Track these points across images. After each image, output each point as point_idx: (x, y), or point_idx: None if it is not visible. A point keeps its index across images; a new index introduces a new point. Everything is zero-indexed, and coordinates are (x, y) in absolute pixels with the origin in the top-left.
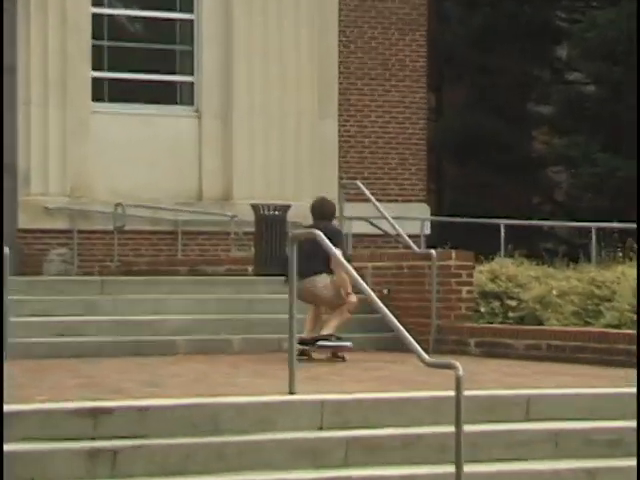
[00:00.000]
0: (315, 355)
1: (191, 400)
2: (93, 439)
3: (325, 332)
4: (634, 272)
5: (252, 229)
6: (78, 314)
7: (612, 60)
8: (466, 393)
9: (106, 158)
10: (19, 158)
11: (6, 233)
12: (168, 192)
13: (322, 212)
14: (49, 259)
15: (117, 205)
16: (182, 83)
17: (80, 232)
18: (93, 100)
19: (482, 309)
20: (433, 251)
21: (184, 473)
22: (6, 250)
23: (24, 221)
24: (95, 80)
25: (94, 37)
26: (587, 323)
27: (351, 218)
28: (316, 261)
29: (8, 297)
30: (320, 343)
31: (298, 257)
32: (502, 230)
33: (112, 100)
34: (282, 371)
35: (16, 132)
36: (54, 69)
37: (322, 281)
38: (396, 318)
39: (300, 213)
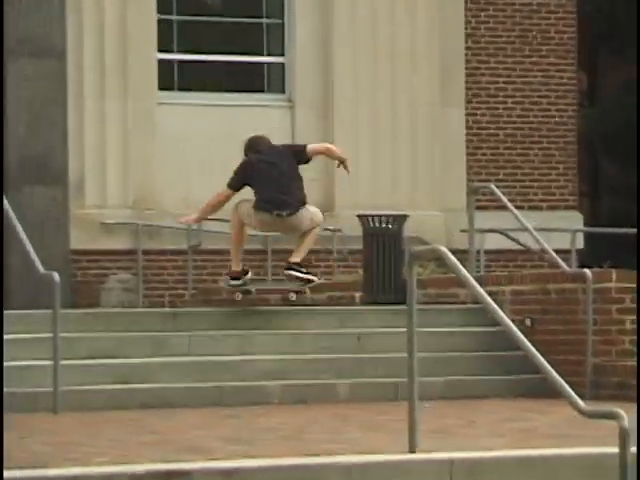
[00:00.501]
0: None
1: (288, 461)
2: None
3: (295, 259)
4: None
5: (359, 246)
6: (145, 355)
7: None
8: (633, 449)
9: (177, 160)
10: (70, 162)
11: (54, 255)
12: None
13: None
14: (108, 287)
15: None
16: (270, 65)
17: (146, 253)
18: (160, 89)
19: None
20: (588, 271)
21: None
22: (55, 276)
23: (77, 240)
24: (162, 64)
25: (160, 11)
26: None
27: (483, 231)
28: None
29: (58, 335)
30: (290, 272)
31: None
32: None
33: (183, 89)
34: (400, 423)
35: (66, 131)
36: (111, 52)
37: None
38: (542, 355)
39: (419, 226)
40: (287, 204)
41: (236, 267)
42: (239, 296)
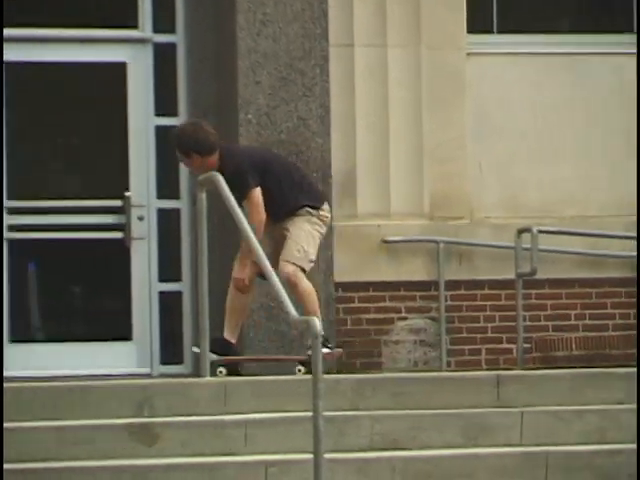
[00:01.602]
0: None
1: None
2: None
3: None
4: None
5: None
6: (453, 444)
7: None
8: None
9: (497, 142)
10: (333, 152)
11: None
12: (615, 205)
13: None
14: (393, 339)
15: (521, 231)
16: None
17: (451, 286)
18: (470, 32)
19: None
20: None
21: None
22: (314, 323)
23: (343, 267)
24: None
25: None
26: None
27: None
28: None
29: (320, 414)
30: None
31: None
32: None
33: (504, 30)
34: None
35: (328, 110)
36: None
37: None
38: None
39: None
40: None
41: None
42: None
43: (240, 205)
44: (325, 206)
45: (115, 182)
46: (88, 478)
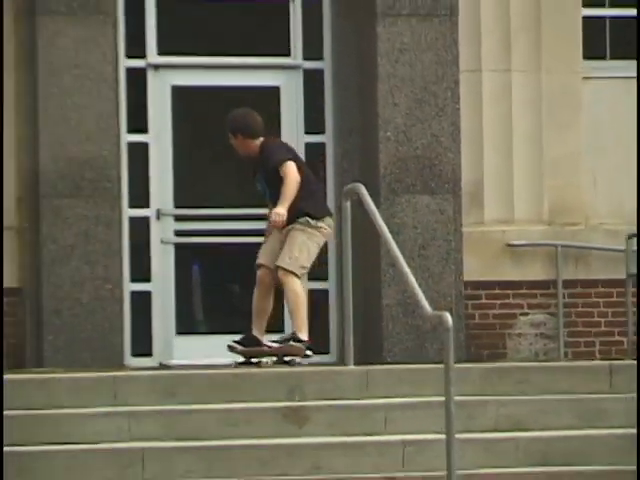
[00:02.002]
0: None
1: None
2: None
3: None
4: None
5: None
6: (569, 426)
7: None
8: None
9: (607, 155)
10: (463, 163)
11: (442, 289)
12: None
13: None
14: (516, 332)
15: (630, 237)
16: None
17: (569, 284)
18: (586, 58)
19: None
20: None
21: None
22: (446, 318)
23: (472, 268)
24: (589, 22)
25: None
26: None
27: None
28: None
29: (452, 398)
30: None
31: None
32: None
33: (616, 56)
34: None
35: (457, 121)
36: (519, 9)
37: None
38: None
39: None
40: None
41: None
42: None
43: (273, 185)
44: (327, 220)
45: None
46: (248, 454)
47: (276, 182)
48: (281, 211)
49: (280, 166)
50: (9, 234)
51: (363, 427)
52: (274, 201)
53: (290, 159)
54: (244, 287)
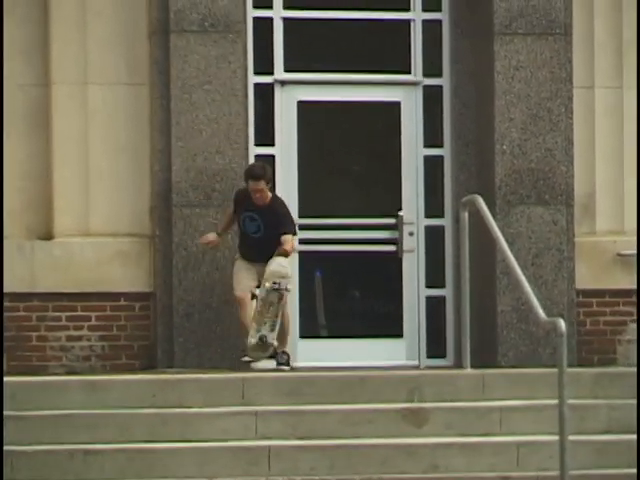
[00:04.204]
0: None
1: None
2: None
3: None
4: None
5: None
6: None
7: None
8: None
9: None
10: (576, 175)
11: (555, 296)
12: None
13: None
14: (626, 338)
15: None
16: None
17: None
18: None
19: None
20: None
21: None
22: (560, 324)
23: (584, 277)
24: None
25: None
26: None
27: None
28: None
29: (565, 402)
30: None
31: None
32: None
33: None
34: None
35: (570, 134)
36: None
37: None
38: None
39: None
40: None
41: None
42: None
43: (269, 234)
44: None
45: (389, 203)
46: (369, 453)
47: (273, 235)
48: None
49: (287, 234)
50: (143, 242)
51: (479, 428)
52: (261, 240)
53: (294, 232)
54: (365, 293)
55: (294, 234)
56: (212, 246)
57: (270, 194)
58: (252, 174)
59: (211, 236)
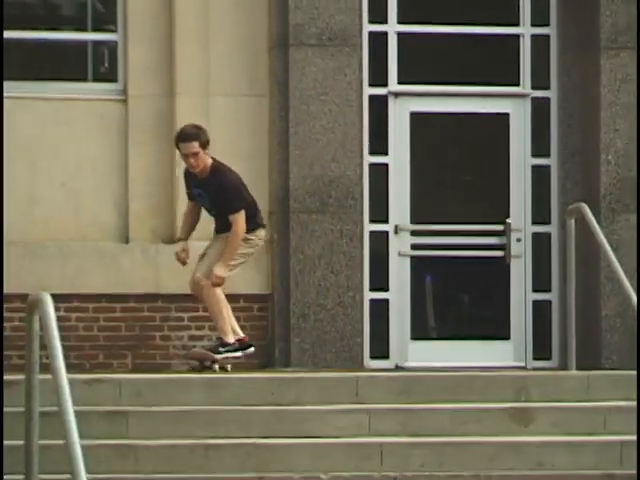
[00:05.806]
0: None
1: None
2: None
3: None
4: None
5: None
6: None
7: None
8: None
9: None
10: None
11: None
12: None
13: None
14: None
15: None
16: None
17: None
18: None
19: None
20: None
21: None
22: None
23: None
24: None
25: None
26: None
27: None
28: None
29: None
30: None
31: None
32: None
33: None
34: None
35: None
36: None
37: None
38: None
39: None
40: None
41: None
42: None
43: (219, 212)
44: (259, 232)
45: (498, 210)
46: (476, 450)
47: (222, 211)
48: (221, 274)
49: (234, 212)
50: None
51: (584, 427)
52: (217, 219)
53: (243, 207)
54: (474, 296)
55: (243, 208)
56: (185, 256)
57: (210, 160)
58: (181, 135)
59: (182, 254)
